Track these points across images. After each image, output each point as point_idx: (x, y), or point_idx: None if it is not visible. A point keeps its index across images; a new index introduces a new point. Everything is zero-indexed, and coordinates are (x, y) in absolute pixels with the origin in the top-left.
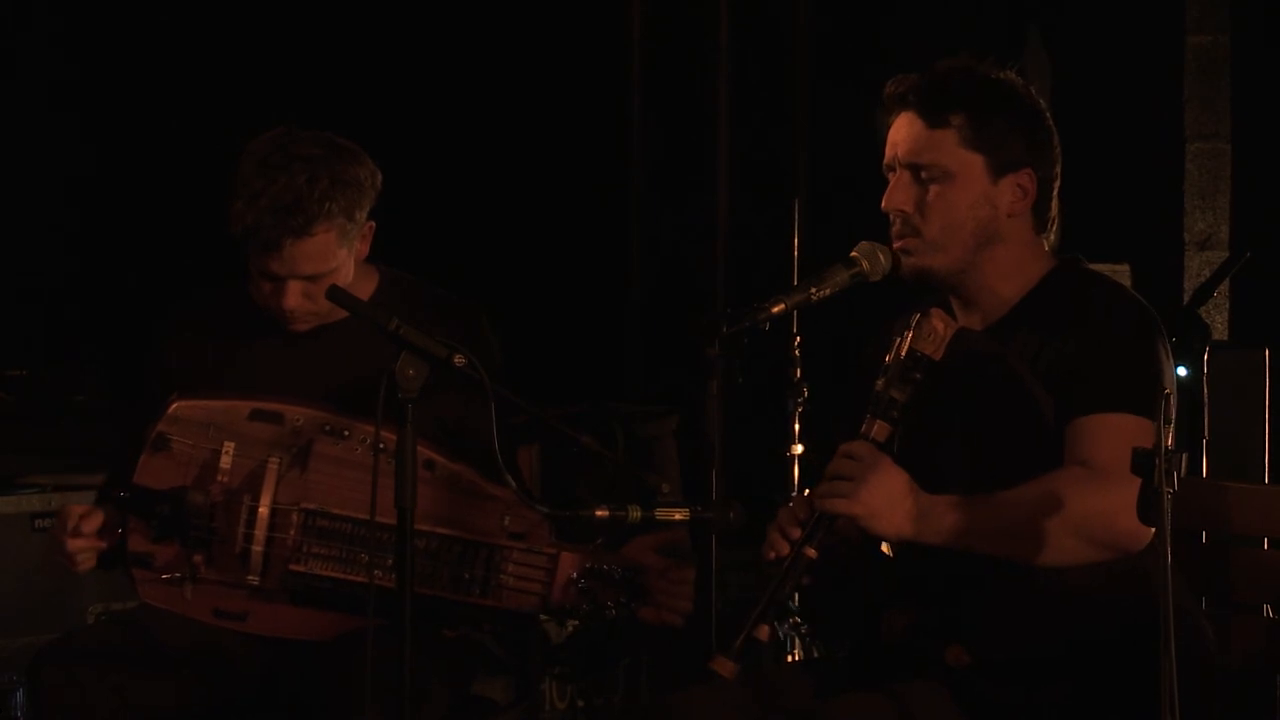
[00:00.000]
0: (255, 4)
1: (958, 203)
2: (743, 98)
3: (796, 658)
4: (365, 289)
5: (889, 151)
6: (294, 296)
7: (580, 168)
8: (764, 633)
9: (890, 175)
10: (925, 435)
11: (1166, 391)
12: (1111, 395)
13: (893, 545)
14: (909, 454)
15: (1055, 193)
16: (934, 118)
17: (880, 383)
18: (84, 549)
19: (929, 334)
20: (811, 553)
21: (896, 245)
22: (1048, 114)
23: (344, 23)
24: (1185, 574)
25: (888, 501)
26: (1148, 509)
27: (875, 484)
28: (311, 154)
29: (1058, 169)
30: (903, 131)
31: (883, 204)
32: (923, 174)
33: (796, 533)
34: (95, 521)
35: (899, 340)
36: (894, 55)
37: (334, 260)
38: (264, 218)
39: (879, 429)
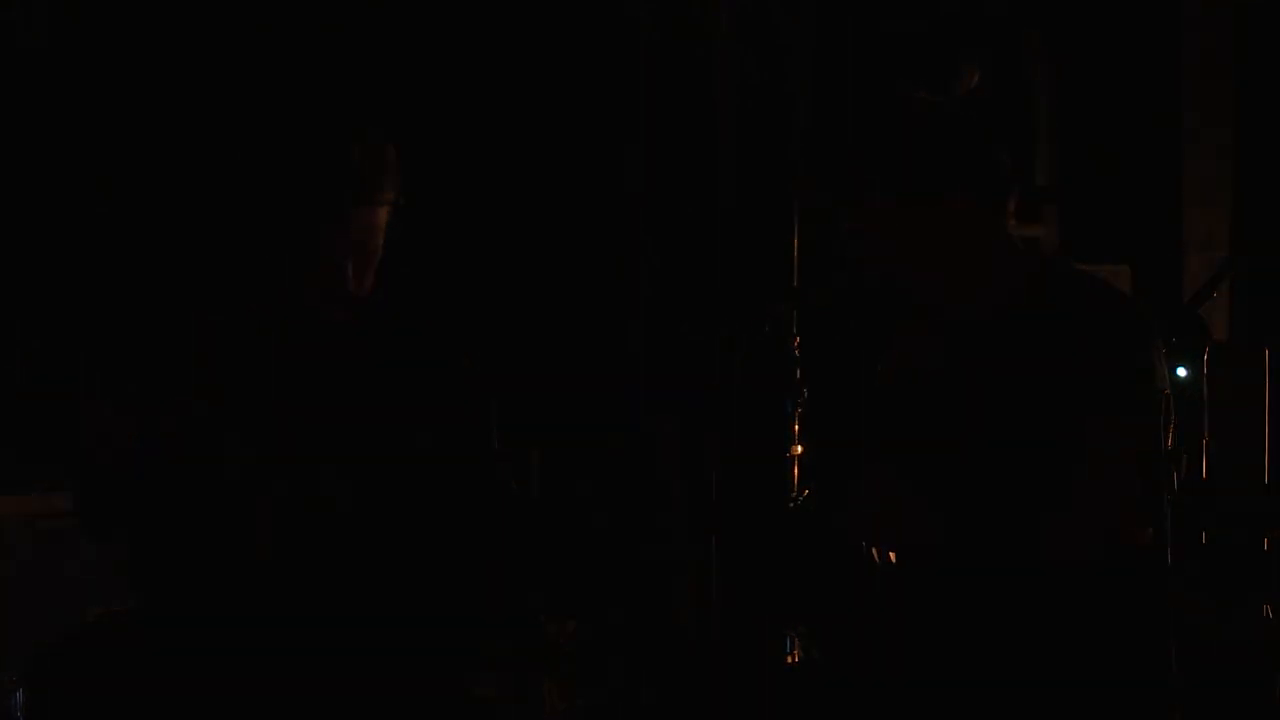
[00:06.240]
0: (256, 4)
1: None
2: (743, 98)
3: (795, 658)
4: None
5: None
6: (350, 277)
7: (580, 167)
8: None
9: None
10: (922, 435)
11: (1165, 392)
12: (1104, 398)
13: (892, 551)
14: (906, 453)
15: (1008, 193)
16: None
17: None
18: None
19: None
20: None
21: None
22: (967, 136)
23: (343, 22)
24: (1185, 574)
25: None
26: (1146, 508)
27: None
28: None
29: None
30: None
31: None
32: None
33: None
34: None
35: None
36: (894, 55)
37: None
38: (362, 174)
39: None
